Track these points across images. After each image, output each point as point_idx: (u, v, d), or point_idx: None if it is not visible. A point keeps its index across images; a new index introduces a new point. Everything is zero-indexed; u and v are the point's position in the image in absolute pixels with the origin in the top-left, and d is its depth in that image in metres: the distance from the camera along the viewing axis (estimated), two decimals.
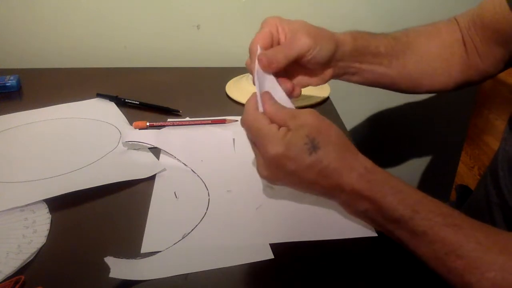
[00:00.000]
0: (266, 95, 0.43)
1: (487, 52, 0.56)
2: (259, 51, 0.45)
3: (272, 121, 0.41)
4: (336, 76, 0.54)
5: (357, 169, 0.39)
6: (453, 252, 0.35)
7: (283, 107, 0.42)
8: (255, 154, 0.42)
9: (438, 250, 0.36)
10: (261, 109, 0.42)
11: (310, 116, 0.40)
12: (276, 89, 0.45)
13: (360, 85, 0.57)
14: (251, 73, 0.46)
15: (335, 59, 0.50)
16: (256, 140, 0.41)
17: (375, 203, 0.38)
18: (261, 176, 0.41)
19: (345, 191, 0.39)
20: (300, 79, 0.51)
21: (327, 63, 0.50)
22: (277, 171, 0.40)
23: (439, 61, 0.57)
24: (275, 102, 0.43)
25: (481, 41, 0.56)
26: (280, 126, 0.40)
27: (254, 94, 0.43)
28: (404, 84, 0.58)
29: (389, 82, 0.57)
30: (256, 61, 0.45)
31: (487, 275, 0.33)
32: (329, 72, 0.52)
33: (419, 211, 0.37)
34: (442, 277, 0.36)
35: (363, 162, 0.40)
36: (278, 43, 0.48)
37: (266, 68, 0.45)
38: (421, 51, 0.57)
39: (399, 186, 0.38)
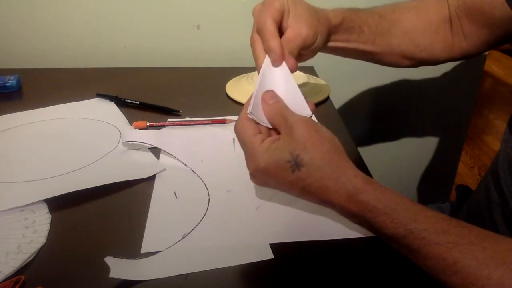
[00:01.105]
0: (269, 94, 0.42)
1: (472, 33, 0.57)
2: (277, 54, 0.43)
3: (270, 121, 0.41)
4: (321, 51, 0.53)
5: (346, 189, 0.38)
6: (448, 269, 0.35)
7: (282, 111, 0.41)
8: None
9: (433, 266, 0.36)
10: (249, 109, 0.42)
11: (302, 128, 0.39)
12: (288, 80, 0.44)
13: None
14: (254, 50, 0.45)
15: (326, 42, 0.51)
16: (243, 150, 0.42)
17: (366, 221, 0.38)
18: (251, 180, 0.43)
19: (335, 206, 0.39)
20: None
21: (319, 48, 0.50)
22: (260, 181, 0.42)
23: (423, 38, 0.58)
24: (276, 102, 0.42)
25: (468, 21, 0.56)
26: (267, 136, 0.41)
27: (249, 98, 0.43)
28: (386, 59, 0.59)
29: (373, 57, 0.59)
30: (266, 58, 0.43)
31: None
32: (314, 52, 0.51)
33: (412, 230, 0.36)
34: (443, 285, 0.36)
35: (353, 181, 0.38)
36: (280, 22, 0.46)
37: (295, 68, 0.44)
38: (406, 27, 0.57)
39: (392, 204, 0.37)
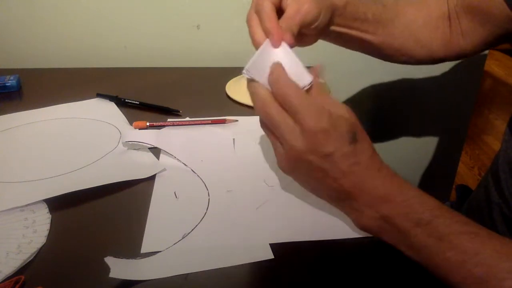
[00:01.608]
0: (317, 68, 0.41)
1: (470, 31, 0.57)
2: (276, 34, 0.41)
3: (315, 98, 0.39)
4: (321, 37, 0.52)
5: (385, 170, 0.39)
6: (470, 260, 0.34)
7: (325, 93, 0.40)
8: (284, 132, 0.38)
9: (454, 257, 0.35)
10: (247, 66, 0.40)
11: (350, 111, 0.39)
12: (288, 54, 0.41)
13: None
14: (250, 26, 0.44)
15: (328, 24, 0.50)
16: (296, 110, 0.36)
17: (395, 205, 0.38)
18: (288, 156, 0.38)
19: (369, 193, 0.39)
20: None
21: (321, 31, 0.49)
22: (312, 149, 0.37)
23: (423, 33, 0.58)
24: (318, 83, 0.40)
25: (466, 19, 0.57)
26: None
27: (280, 69, 0.39)
28: (385, 52, 0.58)
29: (372, 48, 0.58)
30: (267, 41, 0.42)
31: (505, 283, 0.33)
32: (317, 37, 0.50)
33: (438, 215, 0.36)
34: (453, 285, 0.36)
35: (386, 166, 0.40)
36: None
37: (292, 42, 0.42)
38: (408, 21, 0.57)
39: (416, 191, 0.39)
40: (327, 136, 0.36)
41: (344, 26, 0.53)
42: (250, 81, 0.41)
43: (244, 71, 0.40)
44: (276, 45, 0.41)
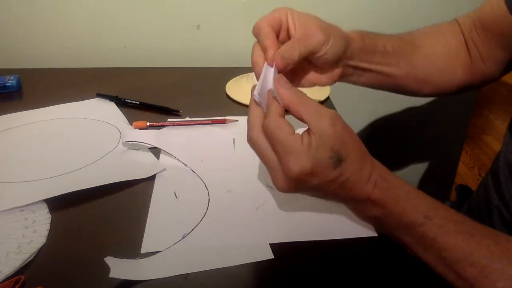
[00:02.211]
0: (283, 79, 0.39)
1: (490, 55, 0.56)
2: (270, 52, 0.41)
3: (293, 111, 0.38)
4: (344, 77, 0.52)
5: (373, 179, 0.39)
6: (464, 260, 0.35)
7: (307, 99, 0.38)
8: (269, 166, 0.38)
9: (448, 257, 0.36)
10: (256, 91, 0.39)
11: (336, 121, 0.37)
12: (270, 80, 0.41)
13: (360, 86, 0.56)
14: (252, 52, 0.43)
15: (345, 57, 0.48)
16: (277, 152, 0.37)
17: (387, 209, 0.38)
18: (279, 189, 0.38)
19: (360, 200, 0.39)
20: (308, 77, 0.49)
21: (336, 61, 0.48)
22: (298, 185, 0.37)
23: (444, 62, 0.57)
24: (296, 89, 0.39)
25: (483, 43, 0.56)
26: (303, 135, 0.38)
27: (272, 100, 0.39)
28: (410, 86, 0.57)
29: (396, 83, 0.56)
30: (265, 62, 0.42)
31: (498, 284, 0.33)
32: (337, 71, 0.50)
33: (431, 217, 0.37)
34: (450, 284, 0.36)
35: (379, 170, 0.39)
36: (287, 32, 0.45)
37: (283, 68, 0.41)
38: (427, 51, 0.56)
39: (411, 192, 0.39)
40: (311, 175, 0.36)
41: (365, 61, 0.51)
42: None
43: (254, 94, 0.39)
44: (270, 63, 0.41)
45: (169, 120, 0.68)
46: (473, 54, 0.57)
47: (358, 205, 0.40)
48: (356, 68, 0.51)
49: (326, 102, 0.79)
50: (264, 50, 0.42)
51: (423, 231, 0.37)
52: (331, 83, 0.50)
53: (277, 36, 0.44)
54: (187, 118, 0.69)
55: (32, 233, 0.44)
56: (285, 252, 0.42)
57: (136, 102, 0.73)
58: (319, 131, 0.36)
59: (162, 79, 0.86)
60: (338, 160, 0.36)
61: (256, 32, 0.44)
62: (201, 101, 0.77)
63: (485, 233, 0.36)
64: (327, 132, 0.36)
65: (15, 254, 0.41)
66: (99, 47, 0.96)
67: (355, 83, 0.54)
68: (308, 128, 0.37)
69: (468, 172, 1.02)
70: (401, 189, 0.39)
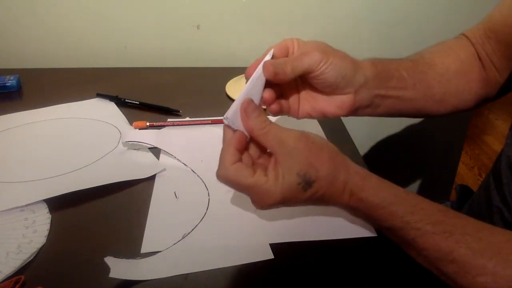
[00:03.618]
0: (251, 105, 0.39)
1: (505, 66, 0.54)
2: (267, 57, 0.42)
3: (256, 139, 0.39)
4: (359, 108, 0.48)
5: (348, 189, 0.39)
6: (444, 258, 0.36)
7: (270, 127, 0.38)
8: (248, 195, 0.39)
9: (429, 256, 0.37)
10: (227, 114, 0.39)
11: (300, 144, 0.38)
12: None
13: (377, 116, 0.55)
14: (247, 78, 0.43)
15: (357, 84, 0.46)
16: (247, 194, 0.39)
17: (367, 216, 0.40)
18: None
19: (342, 205, 0.41)
20: (315, 106, 0.47)
21: (344, 86, 0.45)
22: (276, 207, 0.39)
23: (459, 77, 0.55)
24: (260, 115, 0.39)
25: (497, 55, 0.54)
26: (257, 158, 0.40)
27: (227, 145, 0.39)
28: (428, 108, 0.54)
29: (415, 107, 0.53)
30: (259, 67, 0.42)
31: (478, 279, 0.34)
32: (348, 100, 0.46)
33: (409, 221, 0.37)
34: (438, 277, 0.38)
35: (354, 180, 0.39)
36: None
37: (271, 76, 0.41)
38: (440, 70, 0.54)
39: (389, 197, 0.39)
40: (285, 202, 0.38)
41: (382, 88, 0.49)
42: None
43: (224, 117, 0.40)
44: (263, 69, 0.42)
45: (169, 120, 0.68)
46: (487, 67, 0.55)
47: (342, 207, 0.41)
48: (372, 96, 0.48)
49: None
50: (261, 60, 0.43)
51: (402, 234, 0.38)
52: (341, 113, 0.47)
53: None
54: (187, 118, 0.69)
55: (32, 233, 0.44)
56: (285, 252, 0.42)
57: (136, 102, 0.73)
58: (283, 158, 0.37)
59: (162, 79, 0.86)
60: (307, 184, 0.37)
61: (264, 54, 0.44)
62: (201, 101, 0.77)
63: (467, 230, 0.37)
64: (291, 158, 0.37)
65: (15, 254, 0.41)
66: (99, 47, 0.96)
67: (372, 114, 0.52)
68: (274, 156, 0.38)
69: (468, 172, 1.02)
70: (378, 197, 0.39)
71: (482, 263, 0.34)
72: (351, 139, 0.66)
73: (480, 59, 0.55)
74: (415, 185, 1.26)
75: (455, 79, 0.54)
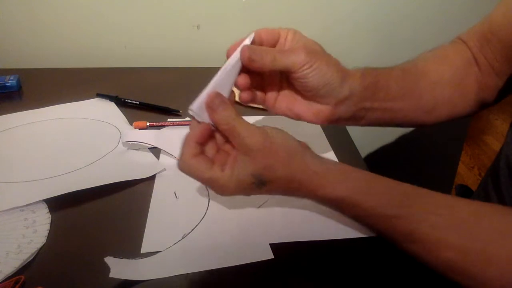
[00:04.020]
0: (217, 100, 0.39)
1: (506, 69, 0.52)
2: (247, 41, 0.41)
3: (221, 132, 0.40)
4: (339, 120, 0.47)
5: (305, 188, 0.40)
6: (407, 239, 0.38)
7: (236, 122, 0.38)
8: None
9: (394, 238, 0.39)
10: (193, 106, 0.39)
11: (257, 144, 0.37)
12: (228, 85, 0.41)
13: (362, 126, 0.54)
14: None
15: (339, 95, 0.44)
16: (204, 184, 0.41)
17: (335, 208, 0.42)
18: None
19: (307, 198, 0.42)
20: (291, 106, 0.46)
21: (323, 95, 0.44)
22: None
23: (454, 85, 0.53)
24: (224, 109, 0.39)
25: (498, 58, 0.52)
26: (215, 152, 0.40)
27: (189, 137, 0.40)
28: (419, 118, 0.53)
29: (403, 117, 0.52)
30: (236, 51, 0.41)
31: (443, 254, 0.36)
32: (326, 109, 0.45)
33: (367, 209, 0.39)
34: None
35: (311, 179, 0.39)
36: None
37: (246, 62, 0.40)
38: (433, 78, 0.53)
39: (347, 190, 0.39)
40: (238, 193, 0.40)
41: (366, 99, 0.47)
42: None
43: (190, 109, 0.40)
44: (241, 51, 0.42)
45: (169, 120, 0.68)
46: (486, 71, 0.53)
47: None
48: (356, 109, 0.47)
49: None
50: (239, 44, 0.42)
51: (366, 222, 0.41)
52: (316, 121, 0.46)
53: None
54: (187, 118, 0.69)
55: (32, 233, 0.44)
56: (285, 252, 0.42)
57: (136, 102, 0.73)
58: (241, 158, 0.38)
59: (162, 79, 0.86)
60: (261, 183, 0.39)
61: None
62: None
63: (428, 208, 0.37)
64: (248, 158, 0.38)
65: (15, 254, 0.41)
66: (99, 47, 0.95)
67: (355, 125, 0.51)
68: (235, 151, 0.39)
69: (468, 172, 1.02)
70: (335, 193, 0.39)
71: (444, 239, 0.36)
72: (351, 139, 0.66)
73: (477, 63, 0.54)
74: (415, 185, 1.25)
75: (450, 87, 0.53)
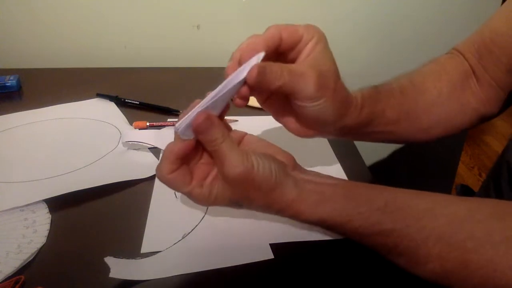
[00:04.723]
0: (205, 123, 0.36)
1: (505, 80, 0.50)
2: (254, 60, 0.37)
3: (208, 150, 0.38)
4: (323, 136, 0.47)
5: (285, 214, 0.40)
6: (392, 252, 0.38)
7: (220, 147, 0.36)
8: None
9: (380, 251, 0.39)
10: (179, 125, 0.36)
11: (238, 175, 0.36)
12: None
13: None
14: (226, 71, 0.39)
15: (331, 128, 0.44)
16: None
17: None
18: None
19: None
20: (277, 113, 0.45)
21: (313, 125, 0.44)
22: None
23: (451, 102, 0.52)
24: (213, 130, 0.36)
25: (500, 69, 0.49)
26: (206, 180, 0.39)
27: (169, 151, 0.37)
28: (415, 137, 0.52)
29: (397, 138, 0.52)
30: (238, 71, 0.37)
31: (428, 266, 0.36)
32: (314, 133, 0.45)
33: (348, 230, 0.39)
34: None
35: (290, 207, 0.39)
36: (284, 51, 0.40)
37: (252, 84, 0.36)
38: (431, 98, 0.51)
39: (325, 214, 0.39)
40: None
41: (361, 127, 0.47)
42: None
43: (176, 127, 0.37)
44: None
45: (169, 120, 0.68)
46: (486, 83, 0.51)
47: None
48: (350, 133, 0.47)
49: None
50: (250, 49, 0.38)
51: (350, 238, 0.40)
52: (299, 135, 0.45)
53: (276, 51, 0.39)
54: None
55: (32, 233, 0.44)
56: (285, 252, 0.42)
57: (136, 102, 0.73)
58: (221, 182, 0.38)
59: (162, 79, 0.86)
60: (238, 205, 0.39)
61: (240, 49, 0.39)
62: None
63: (408, 221, 0.37)
64: (227, 186, 0.37)
65: (15, 254, 0.41)
66: (99, 47, 0.96)
67: (345, 136, 0.50)
68: (217, 174, 0.38)
69: (468, 172, 1.02)
70: (314, 217, 0.39)
71: (426, 252, 0.36)
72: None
73: (475, 76, 0.52)
74: (415, 185, 1.25)
75: (448, 104, 0.51)
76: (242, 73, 0.36)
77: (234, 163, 0.35)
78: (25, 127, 0.66)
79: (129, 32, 0.95)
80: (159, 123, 0.67)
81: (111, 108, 0.73)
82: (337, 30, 0.99)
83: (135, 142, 0.59)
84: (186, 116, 0.36)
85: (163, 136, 0.61)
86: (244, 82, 0.37)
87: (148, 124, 0.66)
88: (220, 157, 0.36)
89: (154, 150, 0.60)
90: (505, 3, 0.50)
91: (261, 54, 0.37)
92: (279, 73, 0.37)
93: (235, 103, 0.40)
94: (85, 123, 0.68)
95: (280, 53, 0.40)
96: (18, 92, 0.80)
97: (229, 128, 0.41)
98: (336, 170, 0.57)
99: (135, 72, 0.90)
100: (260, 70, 0.36)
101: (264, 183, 0.37)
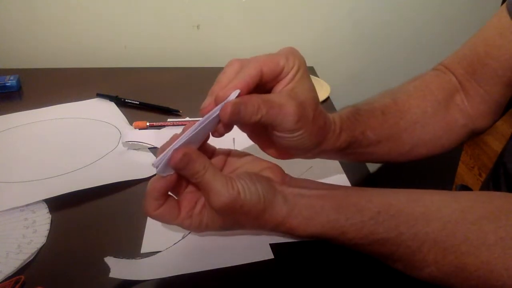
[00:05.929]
0: (183, 160, 0.35)
1: (501, 93, 0.49)
2: (232, 96, 0.36)
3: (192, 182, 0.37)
4: (307, 158, 0.46)
5: (279, 232, 0.41)
6: (389, 258, 0.39)
7: (203, 178, 0.35)
8: None
9: (378, 258, 0.40)
10: (158, 162, 0.35)
11: (226, 206, 0.35)
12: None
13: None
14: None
15: (309, 154, 0.44)
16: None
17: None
18: None
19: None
20: (253, 135, 0.44)
21: (292, 152, 0.43)
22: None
23: (436, 121, 0.50)
24: (194, 163, 0.35)
25: (495, 81, 0.48)
26: (195, 209, 0.39)
27: (152, 188, 0.36)
28: (399, 158, 0.51)
29: (380, 158, 0.50)
30: (217, 108, 0.36)
31: (425, 271, 0.36)
32: (288, 156, 0.44)
33: (343, 242, 0.39)
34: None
35: (283, 226, 0.39)
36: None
37: (227, 121, 0.36)
38: (414, 118, 0.49)
39: (317, 230, 0.39)
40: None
41: (339, 151, 0.45)
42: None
43: (153, 163, 0.36)
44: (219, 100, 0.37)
45: (169, 120, 0.68)
46: (476, 98, 0.50)
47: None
48: (327, 155, 0.46)
49: (326, 102, 0.79)
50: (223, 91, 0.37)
51: (348, 247, 0.40)
52: (275, 157, 0.44)
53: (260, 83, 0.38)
54: (187, 118, 0.69)
55: (32, 233, 0.44)
56: (285, 252, 0.42)
57: (136, 102, 0.73)
58: (209, 211, 0.38)
59: (162, 79, 0.86)
60: (231, 230, 0.42)
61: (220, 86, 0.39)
62: (201, 101, 0.77)
63: (401, 229, 0.37)
64: (216, 215, 0.38)
65: (15, 254, 0.41)
66: (99, 47, 0.96)
67: (326, 157, 0.48)
68: (205, 202, 0.39)
69: (468, 172, 1.02)
70: (306, 233, 0.40)
71: (422, 257, 0.36)
72: None
73: (465, 92, 0.50)
74: (415, 185, 1.25)
75: (433, 123, 0.50)
76: (219, 109, 0.36)
77: (220, 193, 0.35)
78: (25, 127, 0.66)
79: (129, 32, 0.95)
80: (159, 123, 0.67)
81: (111, 108, 0.73)
82: (337, 30, 0.99)
83: (135, 142, 0.59)
84: (163, 154, 0.35)
85: (163, 136, 0.61)
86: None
87: (148, 124, 0.66)
88: (205, 188, 0.36)
89: (154, 150, 0.60)
90: (495, 15, 0.49)
91: (237, 92, 0.36)
92: (256, 107, 0.36)
93: (213, 136, 0.40)
94: (85, 123, 0.68)
95: (260, 84, 0.38)
96: (18, 92, 0.80)
97: (212, 151, 0.42)
98: (335, 169, 0.57)
99: (135, 72, 0.90)
100: (235, 107, 0.35)
101: (253, 208, 0.37)
